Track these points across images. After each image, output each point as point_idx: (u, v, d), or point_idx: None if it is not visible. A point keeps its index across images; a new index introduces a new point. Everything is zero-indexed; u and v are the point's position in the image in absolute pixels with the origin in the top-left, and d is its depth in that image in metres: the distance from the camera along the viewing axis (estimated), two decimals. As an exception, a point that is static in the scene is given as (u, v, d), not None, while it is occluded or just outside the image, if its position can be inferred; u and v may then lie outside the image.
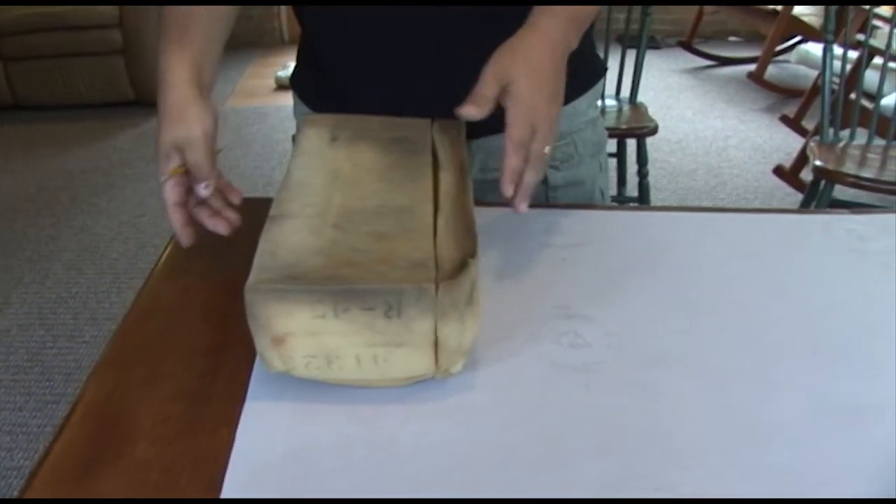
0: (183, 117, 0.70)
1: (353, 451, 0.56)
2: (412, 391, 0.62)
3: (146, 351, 0.66)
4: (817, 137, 2.24)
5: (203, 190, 0.72)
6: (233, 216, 0.74)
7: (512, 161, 0.68)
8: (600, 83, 0.97)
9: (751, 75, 4.06)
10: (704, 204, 2.67)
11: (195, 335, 0.68)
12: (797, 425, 0.61)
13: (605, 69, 1.00)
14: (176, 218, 0.72)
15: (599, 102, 1.05)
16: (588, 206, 0.97)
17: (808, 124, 3.27)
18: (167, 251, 0.81)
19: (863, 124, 2.29)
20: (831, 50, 2.10)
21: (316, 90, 0.95)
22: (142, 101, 3.69)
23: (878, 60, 2.43)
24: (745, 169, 3.10)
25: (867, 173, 2.04)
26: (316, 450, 0.56)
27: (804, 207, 2.35)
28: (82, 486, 0.53)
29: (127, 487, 0.53)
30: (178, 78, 0.72)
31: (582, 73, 0.90)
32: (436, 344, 0.58)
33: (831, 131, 2.23)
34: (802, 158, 2.78)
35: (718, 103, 3.89)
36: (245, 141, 3.28)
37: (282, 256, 0.59)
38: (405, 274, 0.58)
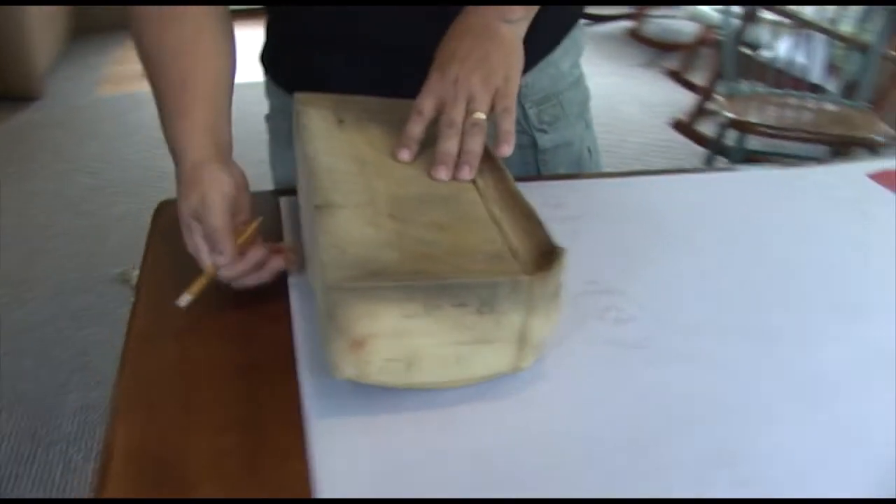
0: (198, 182, 0.62)
1: (446, 458, 0.51)
2: (483, 389, 0.57)
3: (165, 382, 0.58)
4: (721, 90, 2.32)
5: (220, 258, 0.61)
6: (273, 263, 0.65)
7: (407, 128, 0.67)
8: (579, 37, 0.93)
9: (632, 33, 4.17)
10: (614, 162, 2.72)
11: (215, 357, 0.61)
12: (852, 377, 0.62)
13: (581, 14, 0.96)
14: (236, 276, 0.63)
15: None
16: (583, 175, 0.95)
17: (692, 77, 3.40)
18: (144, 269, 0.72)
19: (754, 76, 2.39)
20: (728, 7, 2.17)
21: (293, 70, 0.87)
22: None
23: (766, 15, 2.54)
24: (641, 125, 3.18)
25: (771, 122, 2.13)
26: (405, 465, 0.51)
27: (710, 159, 2.44)
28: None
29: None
30: (190, 142, 0.65)
31: (553, 22, 0.86)
32: (521, 339, 0.54)
33: (733, 85, 2.31)
34: (698, 112, 2.88)
35: (599, 60, 3.96)
36: (126, 131, 3.05)
37: (351, 251, 0.53)
38: (487, 267, 0.53)
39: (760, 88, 2.32)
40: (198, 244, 0.62)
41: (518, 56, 0.70)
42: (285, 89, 0.89)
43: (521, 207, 0.61)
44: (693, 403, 0.58)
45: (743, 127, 2.09)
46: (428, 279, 0.50)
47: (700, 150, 2.89)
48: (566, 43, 0.90)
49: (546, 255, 0.55)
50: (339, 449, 0.52)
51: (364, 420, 0.54)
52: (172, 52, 0.70)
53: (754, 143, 2.40)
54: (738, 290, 0.73)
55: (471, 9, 0.72)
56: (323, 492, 0.48)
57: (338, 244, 0.53)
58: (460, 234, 0.57)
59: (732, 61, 2.24)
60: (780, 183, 0.97)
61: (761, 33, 2.36)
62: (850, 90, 2.47)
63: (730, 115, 2.09)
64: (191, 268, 0.66)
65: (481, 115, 0.66)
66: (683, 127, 2.90)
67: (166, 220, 0.79)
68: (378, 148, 0.68)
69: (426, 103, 0.68)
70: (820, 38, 2.46)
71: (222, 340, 0.62)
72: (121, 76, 3.72)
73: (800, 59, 2.39)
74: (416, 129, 0.67)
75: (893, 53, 2.42)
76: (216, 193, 0.61)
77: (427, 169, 0.66)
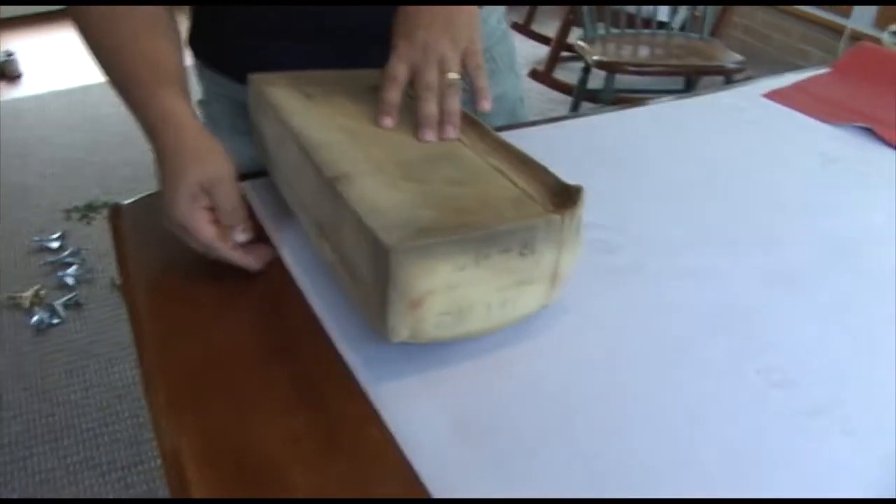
0: (207, 156, 0.63)
1: (508, 398, 0.54)
2: (518, 330, 0.60)
3: (203, 377, 0.57)
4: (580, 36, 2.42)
5: (241, 235, 0.65)
6: (264, 250, 0.68)
7: (385, 96, 0.68)
8: None
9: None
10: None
11: (241, 346, 0.59)
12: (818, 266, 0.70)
13: None
14: (231, 253, 0.64)
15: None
16: (520, 124, 0.98)
17: (540, 28, 3.51)
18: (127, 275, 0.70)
19: (606, 21, 2.51)
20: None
21: (238, 57, 0.85)
22: None
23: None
24: (502, 79, 3.25)
25: (630, 59, 2.25)
26: (474, 411, 0.53)
27: (576, 105, 2.54)
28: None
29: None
30: (185, 116, 0.65)
31: None
32: (553, 275, 0.57)
33: (590, 30, 2.42)
34: (553, 60, 2.99)
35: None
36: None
37: (392, 214, 0.53)
38: (516, 211, 0.56)
39: (615, 31, 2.45)
40: (200, 216, 0.62)
41: (476, 16, 0.73)
42: (226, 74, 0.86)
43: (514, 154, 0.64)
44: (703, 310, 0.64)
45: (611, 67, 2.20)
46: (476, 230, 0.52)
47: (556, 97, 3.01)
48: None
49: (559, 194, 0.58)
50: (407, 409, 0.53)
51: (419, 377, 0.56)
52: (134, 33, 0.69)
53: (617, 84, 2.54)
54: (701, 208, 0.80)
55: None
56: (411, 453, 0.50)
57: (376, 210, 0.54)
58: (479, 186, 0.59)
59: (588, 7, 2.34)
60: (693, 111, 1.05)
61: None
62: (690, 24, 2.65)
63: (597, 57, 2.19)
64: (174, 262, 0.67)
65: (455, 76, 0.68)
66: (541, 76, 3.00)
67: (127, 221, 0.76)
68: (357, 118, 0.69)
69: (399, 69, 0.69)
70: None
71: (241, 329, 0.61)
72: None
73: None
74: (394, 95, 0.68)
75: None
76: (229, 165, 0.63)
77: (411, 132, 0.67)
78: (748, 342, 0.61)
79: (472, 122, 0.69)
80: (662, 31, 2.57)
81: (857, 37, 3.05)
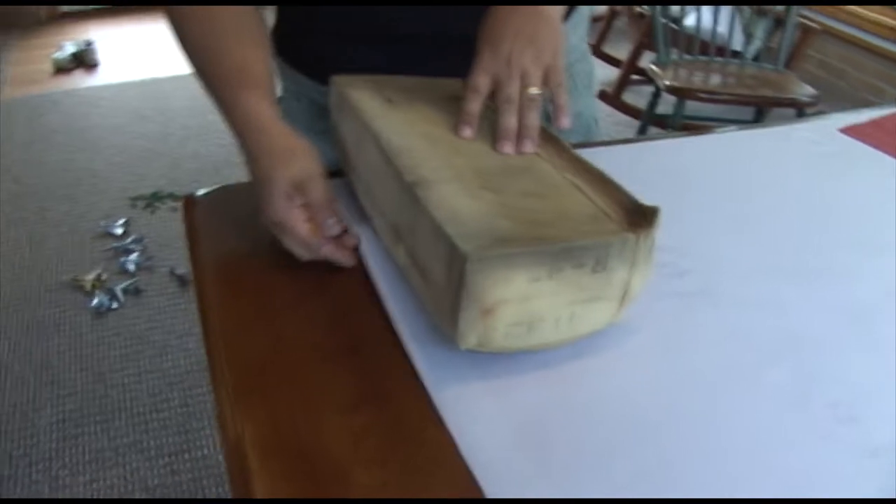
0: (296, 155, 0.66)
1: (569, 411, 0.54)
2: (583, 345, 0.60)
3: (270, 370, 0.58)
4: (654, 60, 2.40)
5: (335, 227, 0.67)
6: (349, 241, 0.69)
7: (466, 106, 0.69)
8: (585, 11, 0.96)
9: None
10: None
11: (311, 341, 0.60)
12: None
13: None
14: (327, 249, 0.66)
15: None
16: (594, 143, 0.98)
17: (611, 49, 3.50)
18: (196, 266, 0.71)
19: (680, 47, 2.49)
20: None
21: (315, 57, 0.87)
22: None
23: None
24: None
25: (703, 88, 2.23)
26: (535, 422, 0.53)
27: (643, 129, 2.52)
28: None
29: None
30: (270, 119, 0.69)
31: None
32: (623, 294, 0.57)
33: (662, 55, 2.40)
34: (623, 82, 2.97)
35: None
36: (43, 133, 2.90)
37: (470, 223, 0.54)
38: (592, 228, 0.55)
39: (688, 57, 2.42)
40: (293, 214, 0.64)
41: (560, 32, 0.73)
42: (307, 74, 0.88)
43: (591, 171, 0.64)
44: (770, 339, 0.63)
45: (682, 93, 2.17)
46: (552, 243, 0.52)
47: (623, 119, 2.98)
48: (575, 17, 0.93)
49: (634, 213, 0.58)
50: (470, 414, 0.53)
51: (483, 384, 0.56)
52: (224, 35, 0.73)
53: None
54: (773, 237, 0.78)
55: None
56: (471, 457, 0.50)
57: (454, 217, 0.54)
58: (557, 200, 0.59)
59: (662, 32, 2.32)
60: (766, 142, 1.03)
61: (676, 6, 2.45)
62: (763, 54, 2.61)
63: (669, 82, 2.17)
64: (245, 254, 0.69)
65: (536, 91, 0.69)
66: (610, 98, 2.98)
67: (199, 214, 0.78)
68: (437, 126, 0.69)
69: (481, 80, 0.69)
70: (728, 7, 2.58)
71: (310, 324, 0.62)
72: (25, 78, 3.52)
73: (720, 28, 2.50)
74: (475, 106, 0.69)
75: (802, 19, 2.57)
76: (317, 162, 0.66)
77: (489, 144, 0.68)
78: (815, 374, 0.59)
79: (550, 137, 0.70)
80: (735, 60, 2.54)
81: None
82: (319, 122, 0.82)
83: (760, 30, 2.67)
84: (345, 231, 0.68)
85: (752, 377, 0.59)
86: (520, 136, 0.68)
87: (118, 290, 1.98)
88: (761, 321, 0.65)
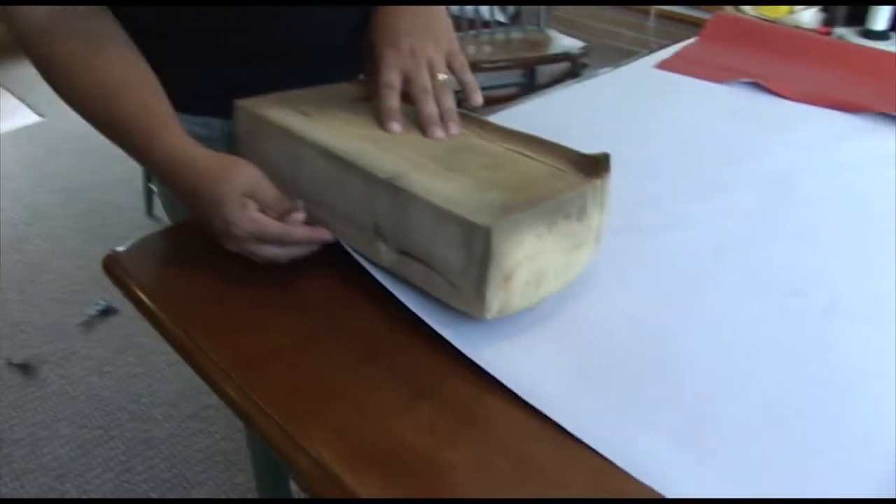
0: (234, 168, 0.67)
1: (606, 341, 0.61)
2: (576, 289, 0.66)
3: (306, 392, 0.58)
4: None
5: (299, 214, 0.67)
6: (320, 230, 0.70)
7: (385, 103, 0.72)
8: None
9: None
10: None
11: (328, 353, 0.61)
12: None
13: None
14: (303, 230, 0.67)
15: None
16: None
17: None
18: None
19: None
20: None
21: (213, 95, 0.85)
22: None
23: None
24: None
25: (484, 59, 2.38)
26: (582, 357, 0.59)
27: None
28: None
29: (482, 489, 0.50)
30: (193, 148, 0.69)
31: None
32: (597, 236, 0.64)
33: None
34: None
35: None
36: None
37: (465, 200, 0.58)
38: (560, 183, 0.61)
39: (458, 34, 2.57)
40: (257, 217, 0.65)
41: (449, 18, 0.78)
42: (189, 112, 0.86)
43: (520, 136, 0.70)
44: (705, 246, 0.73)
45: (472, 67, 2.31)
46: (543, 200, 0.58)
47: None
48: None
49: (584, 163, 0.64)
50: (527, 376, 0.57)
51: (511, 343, 0.61)
52: (121, 84, 0.72)
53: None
54: (667, 169, 0.89)
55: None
56: (556, 415, 0.54)
57: (448, 199, 0.58)
58: (513, 167, 0.65)
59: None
60: (605, 89, 1.15)
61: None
62: (516, 18, 2.82)
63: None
64: (199, 294, 0.69)
65: (445, 76, 0.74)
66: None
67: (131, 269, 0.74)
68: (365, 127, 0.71)
69: (392, 76, 0.73)
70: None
71: (320, 337, 0.63)
72: None
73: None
74: (394, 101, 0.72)
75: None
76: (252, 166, 0.68)
77: (419, 134, 0.72)
78: (751, 266, 0.71)
79: (465, 115, 0.74)
80: (500, 29, 2.72)
81: (663, 14, 3.33)
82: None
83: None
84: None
85: (708, 278, 0.69)
86: (444, 121, 0.72)
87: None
88: (694, 235, 0.75)
